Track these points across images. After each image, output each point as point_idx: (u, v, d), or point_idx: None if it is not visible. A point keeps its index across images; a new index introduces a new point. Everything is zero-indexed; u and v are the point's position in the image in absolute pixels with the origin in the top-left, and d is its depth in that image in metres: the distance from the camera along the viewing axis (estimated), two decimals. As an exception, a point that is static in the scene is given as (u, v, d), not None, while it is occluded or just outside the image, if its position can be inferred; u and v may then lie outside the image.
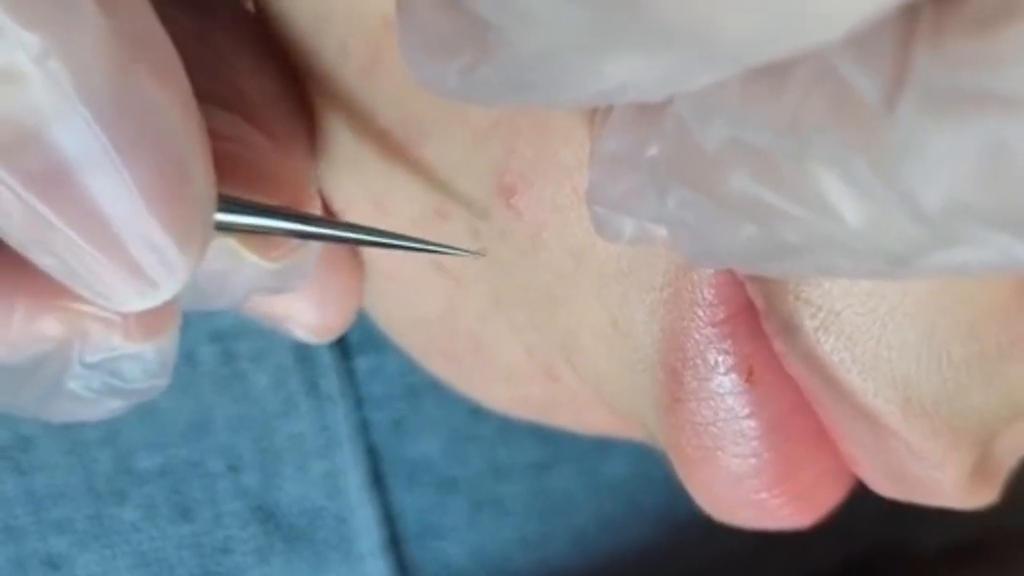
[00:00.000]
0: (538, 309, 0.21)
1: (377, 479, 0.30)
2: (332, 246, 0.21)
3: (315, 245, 0.20)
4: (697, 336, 0.19)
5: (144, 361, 0.19)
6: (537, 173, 0.19)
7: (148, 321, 0.18)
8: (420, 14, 0.14)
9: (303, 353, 0.28)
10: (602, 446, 0.31)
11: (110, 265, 0.16)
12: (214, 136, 0.17)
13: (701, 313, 0.19)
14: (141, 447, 0.29)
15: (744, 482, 0.20)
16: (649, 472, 0.32)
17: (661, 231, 0.17)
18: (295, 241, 0.19)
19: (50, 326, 0.18)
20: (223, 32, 0.21)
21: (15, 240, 0.16)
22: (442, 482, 0.31)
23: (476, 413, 0.30)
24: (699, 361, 0.19)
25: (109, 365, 0.19)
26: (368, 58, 0.20)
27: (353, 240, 0.19)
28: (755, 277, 0.18)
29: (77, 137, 0.15)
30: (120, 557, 0.30)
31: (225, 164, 0.18)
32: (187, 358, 0.28)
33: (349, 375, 0.29)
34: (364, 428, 0.30)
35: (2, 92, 0.14)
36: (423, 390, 0.30)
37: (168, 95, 0.16)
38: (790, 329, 0.18)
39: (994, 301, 0.18)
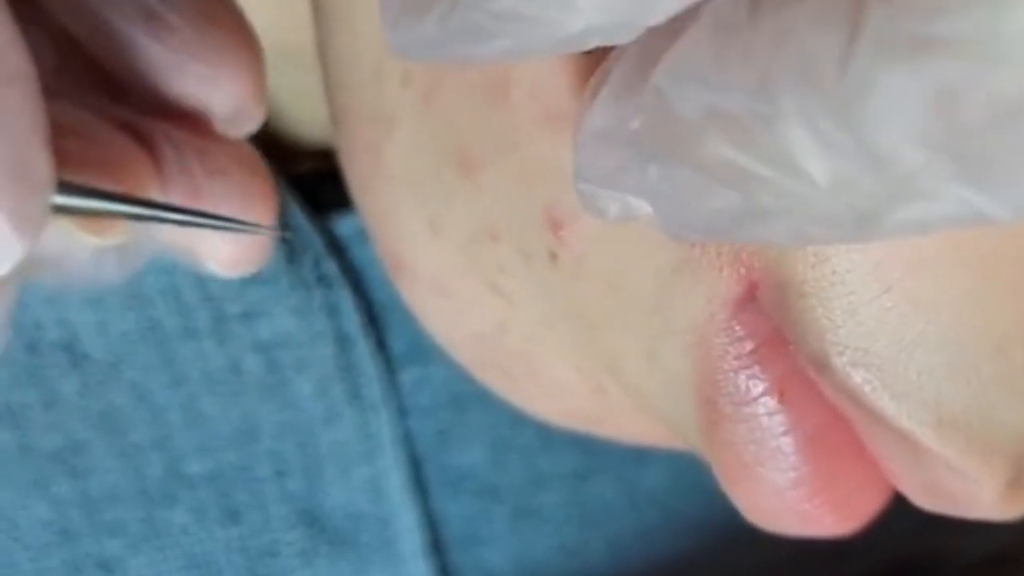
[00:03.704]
0: (583, 332, 0.22)
1: (419, 484, 0.31)
2: (249, 176, 0.22)
3: (151, 228, 0.21)
4: (727, 367, 0.20)
5: None
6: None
7: None
8: None
9: (346, 362, 0.29)
10: (640, 456, 0.32)
11: None
12: (64, 126, 0.19)
13: (730, 348, 0.20)
14: (191, 452, 0.29)
15: (785, 494, 0.20)
16: (686, 482, 0.32)
17: (645, 208, 0.17)
18: (128, 222, 0.21)
19: None
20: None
21: None
22: (484, 490, 0.31)
23: (518, 423, 0.30)
24: (732, 389, 0.20)
25: None
26: (429, 84, 0.21)
27: (179, 222, 0.20)
28: (785, 316, 0.19)
29: None
30: (171, 559, 0.30)
31: (70, 155, 0.19)
32: (233, 368, 0.28)
33: (393, 385, 0.30)
34: (408, 437, 0.30)
35: None
36: (468, 400, 0.30)
37: (14, 96, 0.17)
38: (820, 364, 0.19)
39: (1020, 319, 0.18)
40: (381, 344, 0.29)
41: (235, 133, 0.22)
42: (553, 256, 0.21)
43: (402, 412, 0.30)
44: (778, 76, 0.13)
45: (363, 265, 0.29)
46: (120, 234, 0.20)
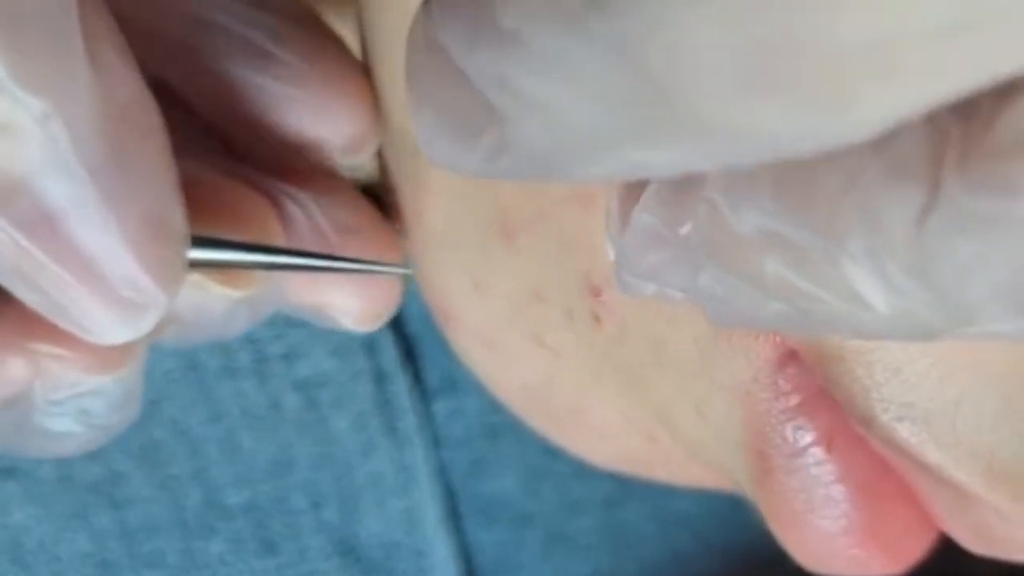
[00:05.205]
0: (631, 386, 0.22)
1: (454, 515, 0.31)
2: (369, 233, 0.22)
3: (281, 275, 0.21)
4: (774, 421, 0.20)
5: (107, 395, 0.20)
6: None
7: (106, 355, 0.19)
8: (435, 91, 0.15)
9: (383, 398, 0.29)
10: (672, 482, 0.32)
11: (95, 301, 0.17)
12: (188, 181, 0.18)
13: (777, 403, 0.20)
14: (229, 483, 0.30)
15: (836, 540, 0.21)
16: (716, 508, 0.32)
17: (680, 295, 0.17)
18: (259, 272, 0.21)
19: (16, 369, 0.19)
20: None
21: (2, 277, 0.17)
22: (517, 517, 0.32)
23: (552, 450, 0.31)
24: (780, 441, 0.20)
25: (75, 402, 0.20)
26: None
27: (312, 268, 0.21)
28: (826, 377, 0.19)
29: (70, 188, 0.16)
30: (208, 590, 0.31)
31: (197, 206, 0.19)
32: (273, 406, 0.29)
33: (428, 417, 0.30)
34: (442, 467, 0.31)
35: (1, 145, 0.16)
36: (501, 429, 0.31)
37: (150, 151, 0.17)
38: (865, 420, 0.19)
39: None
40: (416, 377, 0.30)
41: (354, 160, 0.22)
42: (596, 318, 0.21)
43: (436, 443, 0.30)
44: (846, 221, 0.13)
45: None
46: (253, 285, 0.20)
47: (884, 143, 0.13)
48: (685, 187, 0.16)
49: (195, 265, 0.19)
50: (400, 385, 0.29)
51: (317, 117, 0.21)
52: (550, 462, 0.31)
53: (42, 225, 0.17)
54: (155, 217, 0.17)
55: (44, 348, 0.19)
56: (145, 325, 0.18)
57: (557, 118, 0.13)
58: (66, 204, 0.16)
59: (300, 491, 0.30)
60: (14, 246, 0.17)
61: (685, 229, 0.16)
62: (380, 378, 0.29)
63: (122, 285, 0.17)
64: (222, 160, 0.21)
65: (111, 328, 0.18)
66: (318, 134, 0.21)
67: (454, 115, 0.14)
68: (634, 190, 0.17)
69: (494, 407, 0.29)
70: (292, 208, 0.21)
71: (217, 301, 0.20)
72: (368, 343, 0.28)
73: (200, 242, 0.19)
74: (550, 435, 0.26)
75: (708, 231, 0.15)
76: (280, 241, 0.21)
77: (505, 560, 0.32)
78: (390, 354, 0.29)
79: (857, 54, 0.10)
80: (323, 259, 0.21)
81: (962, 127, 0.12)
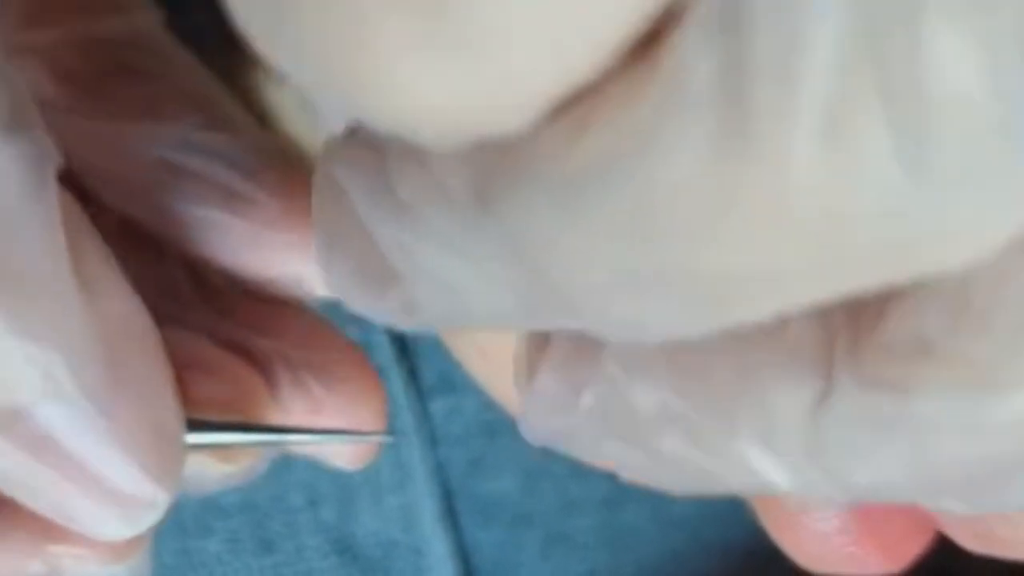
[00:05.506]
0: None
1: (451, 513, 0.31)
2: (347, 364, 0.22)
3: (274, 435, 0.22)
4: None
5: None
6: None
7: (119, 548, 0.20)
8: (340, 236, 0.14)
9: None
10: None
11: (98, 507, 0.18)
12: (178, 363, 0.19)
13: None
14: None
15: (832, 539, 0.21)
16: (713, 508, 0.32)
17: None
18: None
19: (34, 568, 0.20)
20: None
21: (7, 488, 0.18)
22: (516, 517, 0.32)
23: (550, 451, 0.31)
24: None
25: None
26: None
27: (306, 441, 0.21)
28: None
29: (69, 412, 0.17)
30: (205, 589, 0.31)
31: (189, 388, 0.19)
32: None
33: (424, 415, 0.30)
34: (440, 466, 0.31)
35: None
36: (499, 428, 0.31)
37: (144, 356, 0.18)
38: None
39: None
40: (413, 375, 0.30)
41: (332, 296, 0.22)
42: None
43: (434, 442, 0.30)
44: (740, 405, 0.13)
45: None
46: (246, 459, 0.21)
47: (774, 325, 0.13)
48: (586, 352, 0.16)
49: (191, 446, 0.19)
50: (396, 382, 0.29)
51: (291, 256, 0.21)
52: (548, 462, 0.31)
53: (43, 443, 0.17)
54: (153, 421, 0.18)
55: (61, 549, 0.20)
56: (148, 521, 0.19)
57: (454, 291, 0.13)
58: (66, 426, 0.17)
59: (297, 490, 0.30)
60: (16, 464, 0.17)
61: (586, 401, 0.16)
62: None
63: (122, 488, 0.18)
64: (202, 316, 0.21)
65: (115, 529, 0.18)
66: (294, 272, 0.21)
67: (361, 265, 0.14)
68: (541, 340, 0.17)
69: (492, 407, 0.29)
70: (277, 367, 0.21)
71: (213, 472, 0.21)
72: (363, 343, 0.28)
73: (195, 425, 0.19)
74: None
75: (608, 403, 0.15)
76: (270, 411, 0.21)
77: (503, 560, 0.32)
78: (385, 352, 0.29)
79: (721, 280, 0.11)
80: (311, 432, 0.21)
81: (848, 318, 0.13)
